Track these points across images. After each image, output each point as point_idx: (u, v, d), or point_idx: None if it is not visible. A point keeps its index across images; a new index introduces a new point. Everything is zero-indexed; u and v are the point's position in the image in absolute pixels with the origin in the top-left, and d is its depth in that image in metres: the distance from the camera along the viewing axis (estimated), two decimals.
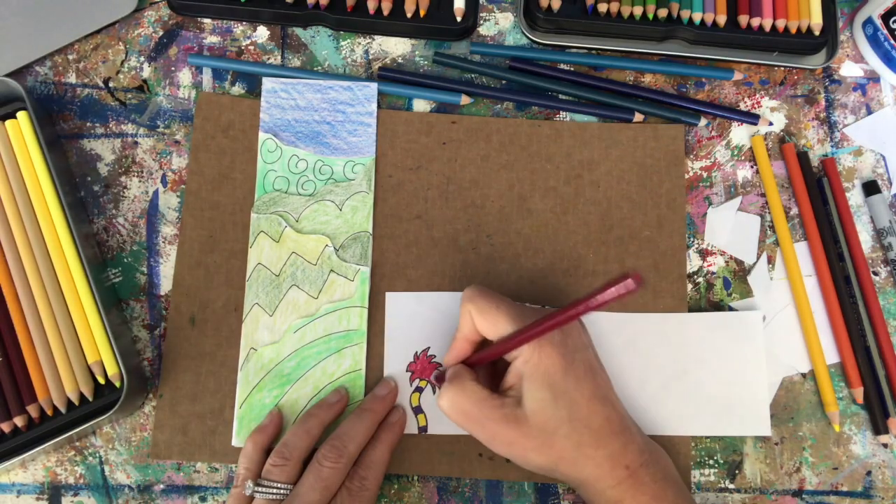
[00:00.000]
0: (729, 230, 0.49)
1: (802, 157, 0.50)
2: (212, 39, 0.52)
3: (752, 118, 0.51)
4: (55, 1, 0.51)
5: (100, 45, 0.52)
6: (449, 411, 0.41)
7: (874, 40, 0.51)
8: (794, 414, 0.47)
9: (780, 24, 0.51)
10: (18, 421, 0.43)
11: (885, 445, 0.46)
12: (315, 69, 0.52)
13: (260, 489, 0.40)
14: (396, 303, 0.47)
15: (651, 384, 0.46)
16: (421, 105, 0.51)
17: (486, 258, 0.48)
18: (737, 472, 0.46)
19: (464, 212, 0.49)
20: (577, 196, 0.49)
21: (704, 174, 0.50)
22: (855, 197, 0.50)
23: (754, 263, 0.49)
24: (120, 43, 0.52)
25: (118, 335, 0.44)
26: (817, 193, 0.49)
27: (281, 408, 0.45)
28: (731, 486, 0.46)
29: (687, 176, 0.50)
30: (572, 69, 0.52)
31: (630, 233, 0.48)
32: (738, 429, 0.46)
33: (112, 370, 0.43)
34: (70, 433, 0.42)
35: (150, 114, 0.51)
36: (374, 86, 0.50)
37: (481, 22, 0.53)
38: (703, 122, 0.51)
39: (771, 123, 0.51)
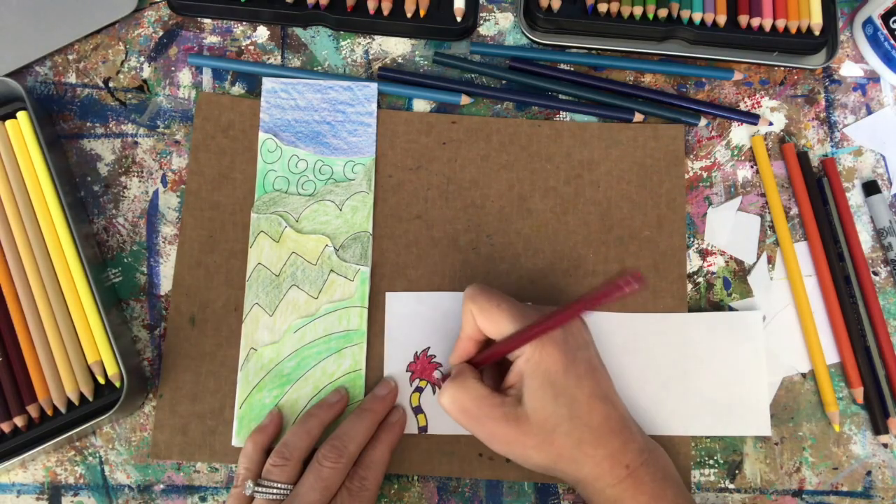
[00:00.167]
0: (729, 230, 0.49)
1: (802, 157, 0.50)
2: (212, 39, 0.52)
3: (752, 118, 0.51)
4: (55, 1, 0.51)
5: (100, 45, 0.52)
6: (449, 408, 0.41)
7: (874, 40, 0.51)
8: (794, 414, 0.47)
9: (780, 24, 0.51)
10: (18, 421, 0.43)
11: (885, 445, 0.46)
12: (315, 69, 0.52)
13: (260, 489, 0.40)
14: (396, 303, 0.47)
15: (651, 384, 0.46)
16: (421, 105, 0.51)
17: (486, 258, 0.48)
18: (737, 472, 0.46)
19: (464, 212, 0.49)
20: (577, 196, 0.49)
21: (704, 174, 0.50)
22: (855, 197, 0.50)
23: (754, 263, 0.49)
24: (120, 43, 0.52)
25: (118, 335, 0.44)
26: (817, 193, 0.49)
27: (281, 408, 0.45)
28: (731, 486, 0.46)
29: (687, 176, 0.50)
30: (572, 69, 0.52)
31: (630, 233, 0.48)
32: (738, 429, 0.46)
33: (112, 370, 0.43)
34: (70, 433, 0.42)
35: (150, 114, 0.51)
36: (374, 86, 0.50)
37: (481, 22, 0.53)
38: (703, 122, 0.51)
39: (771, 123, 0.51)
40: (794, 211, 0.50)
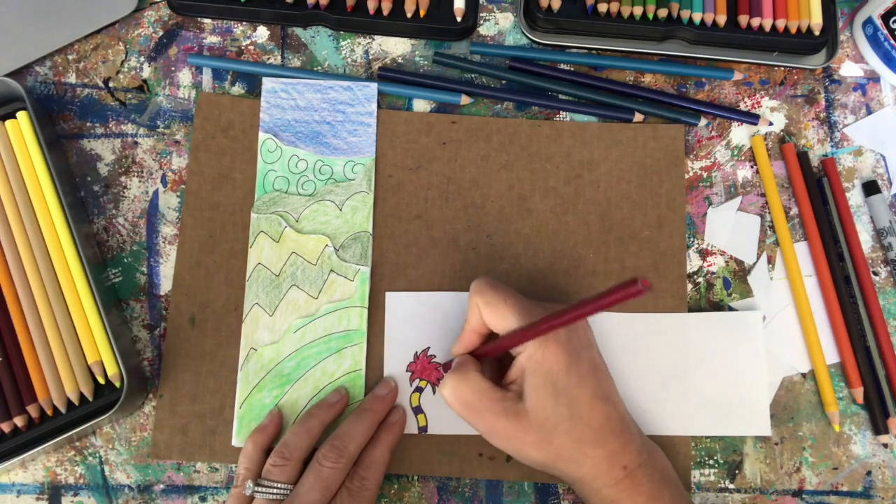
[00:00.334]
0: (729, 230, 0.49)
1: (802, 157, 0.50)
2: (212, 39, 0.52)
3: (752, 118, 0.51)
4: (55, 1, 0.51)
5: (100, 45, 0.52)
6: (450, 399, 0.41)
7: (874, 40, 0.51)
8: (794, 414, 0.47)
9: (780, 24, 0.51)
10: (18, 421, 0.43)
11: (885, 445, 0.46)
12: (315, 69, 0.52)
13: (260, 489, 0.40)
14: (396, 303, 0.47)
15: (651, 384, 0.46)
16: (421, 105, 0.51)
17: (486, 258, 0.48)
18: (737, 472, 0.46)
19: (464, 212, 0.49)
20: (576, 196, 0.49)
21: (704, 174, 0.50)
22: (855, 197, 0.50)
23: (754, 263, 0.49)
24: (120, 43, 0.52)
25: (118, 335, 0.44)
26: (817, 193, 0.49)
27: (281, 408, 0.45)
28: (731, 486, 0.46)
29: (687, 176, 0.50)
30: (572, 69, 0.52)
31: (630, 233, 0.48)
32: (738, 429, 0.46)
33: (112, 370, 0.43)
34: (70, 433, 0.42)
35: (150, 114, 0.51)
36: (374, 86, 0.50)
37: (481, 22, 0.53)
38: (703, 122, 0.51)
39: (771, 123, 0.51)
40: (794, 211, 0.50)
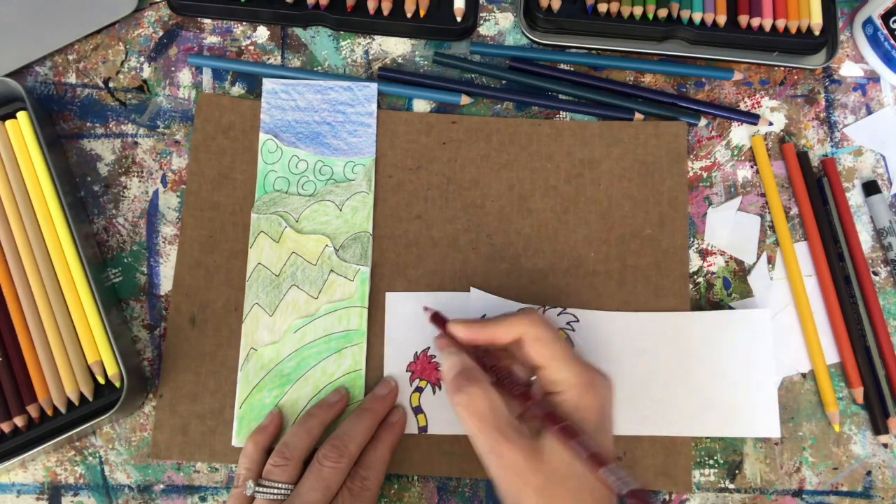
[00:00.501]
0: (729, 230, 0.49)
1: (802, 157, 0.50)
2: (212, 39, 0.52)
3: (752, 118, 0.51)
4: (55, 1, 0.51)
5: (100, 45, 0.52)
6: (464, 408, 0.39)
7: (874, 40, 0.51)
8: (794, 414, 0.47)
9: (780, 24, 0.51)
10: (18, 421, 0.43)
11: (885, 445, 0.46)
12: (315, 69, 0.52)
13: (261, 489, 0.40)
14: (396, 303, 0.47)
15: (656, 385, 0.46)
16: (421, 105, 0.51)
17: (486, 258, 0.48)
18: (737, 472, 0.46)
19: (464, 212, 0.49)
20: (577, 195, 0.49)
21: (704, 174, 0.50)
22: (855, 197, 0.50)
23: (754, 263, 0.49)
24: (120, 43, 0.52)
25: (118, 335, 0.44)
26: (817, 193, 0.49)
27: (281, 408, 0.45)
28: (731, 486, 0.46)
29: (687, 176, 0.50)
30: (572, 69, 0.52)
31: (631, 231, 0.48)
32: (745, 430, 0.45)
33: (112, 370, 0.43)
34: (70, 433, 0.42)
35: (150, 114, 0.51)
36: (374, 86, 0.50)
37: (481, 22, 0.53)
38: (703, 122, 0.51)
39: (771, 123, 0.51)
40: (794, 211, 0.50)
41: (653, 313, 0.47)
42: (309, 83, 0.50)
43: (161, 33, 0.52)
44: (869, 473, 0.46)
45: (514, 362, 0.42)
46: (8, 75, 0.49)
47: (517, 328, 0.40)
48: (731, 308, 0.48)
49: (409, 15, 0.51)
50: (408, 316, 0.47)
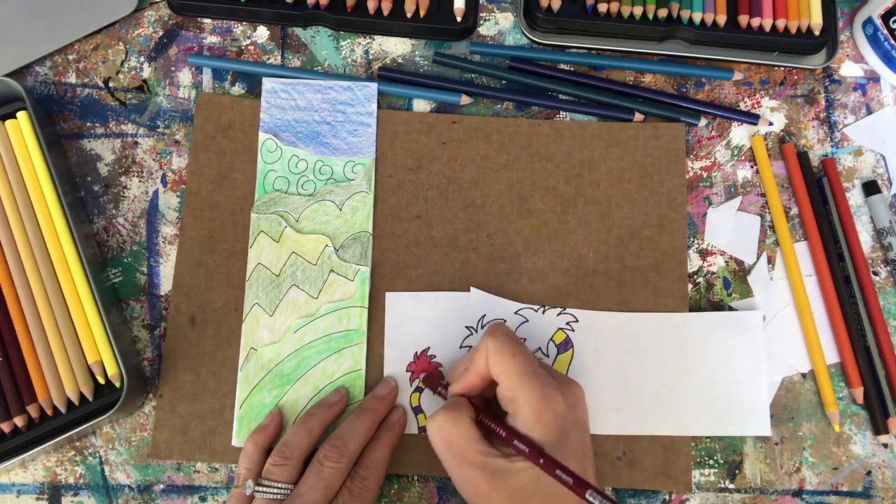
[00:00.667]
0: (729, 230, 0.49)
1: (802, 157, 0.50)
2: (212, 39, 0.52)
3: (752, 118, 0.51)
4: (55, 1, 0.51)
5: (100, 45, 0.52)
6: (434, 435, 0.40)
7: (874, 40, 0.51)
8: (794, 414, 0.47)
9: (780, 24, 0.51)
10: (18, 421, 0.43)
11: (885, 445, 0.46)
12: (315, 69, 0.52)
13: (261, 489, 0.40)
14: (396, 303, 0.47)
15: (651, 384, 0.46)
16: (421, 105, 0.51)
17: (486, 258, 0.48)
18: (737, 472, 0.46)
19: (464, 212, 0.49)
20: (577, 195, 0.49)
21: (704, 174, 0.50)
22: (855, 197, 0.50)
23: (754, 263, 0.49)
24: (120, 43, 0.52)
25: (118, 335, 0.44)
26: (817, 193, 0.49)
27: (281, 408, 0.45)
28: (731, 486, 0.46)
29: (687, 176, 0.50)
30: (572, 69, 0.52)
31: (630, 232, 0.48)
32: (738, 429, 0.46)
33: (112, 370, 0.43)
34: (70, 433, 0.42)
35: (150, 114, 0.51)
36: (374, 86, 0.50)
37: (481, 22, 0.53)
38: (703, 122, 0.51)
39: (771, 123, 0.51)
40: (794, 211, 0.50)
41: (651, 314, 0.47)
42: (309, 83, 0.50)
43: (161, 33, 0.52)
44: (869, 473, 0.46)
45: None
46: (8, 75, 0.49)
47: (482, 344, 0.40)
48: (730, 308, 0.48)
49: (409, 15, 0.51)
50: (408, 316, 0.47)
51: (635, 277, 0.48)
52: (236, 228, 0.48)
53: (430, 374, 0.45)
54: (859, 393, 0.46)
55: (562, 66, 0.52)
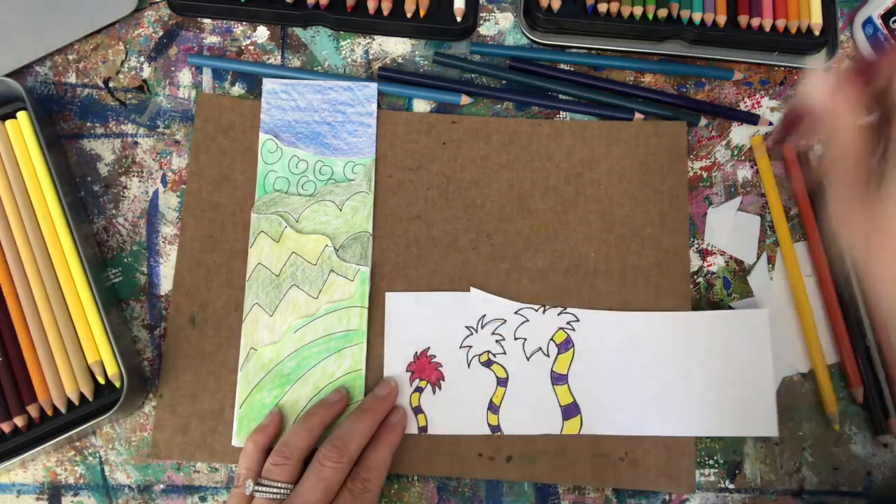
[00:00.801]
0: (729, 230, 0.49)
1: (802, 157, 0.50)
2: (212, 39, 0.52)
3: (752, 118, 0.51)
4: (55, 1, 0.51)
5: (100, 45, 0.52)
6: (827, 102, 0.31)
7: (874, 40, 0.51)
8: (794, 414, 0.47)
9: (780, 24, 0.51)
10: (18, 421, 0.43)
11: (885, 445, 0.46)
12: (315, 69, 0.52)
13: (260, 488, 0.40)
14: (396, 303, 0.47)
15: (655, 384, 0.46)
16: (421, 105, 0.51)
17: (487, 258, 0.48)
18: (737, 472, 0.46)
19: (464, 212, 0.49)
20: (577, 195, 0.49)
21: (704, 174, 0.50)
22: None
23: (754, 263, 0.49)
24: (120, 43, 0.52)
25: (118, 335, 0.44)
26: (817, 193, 0.49)
27: (281, 408, 0.45)
28: (731, 486, 0.46)
29: (687, 175, 0.50)
30: (572, 69, 0.52)
31: (632, 230, 0.48)
32: (744, 429, 0.45)
33: (112, 370, 0.43)
34: (70, 433, 0.42)
35: (150, 114, 0.51)
36: (374, 86, 0.50)
37: (481, 22, 0.53)
38: (703, 122, 0.51)
39: (771, 123, 0.51)
40: (794, 211, 0.50)
41: (653, 313, 0.47)
42: (309, 83, 0.50)
43: (161, 33, 0.52)
44: (869, 473, 0.46)
45: None
46: (8, 75, 0.49)
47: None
48: (731, 308, 0.48)
49: (409, 15, 0.51)
50: (408, 316, 0.47)
51: (637, 276, 0.48)
52: (236, 228, 0.48)
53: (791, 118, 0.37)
54: (859, 393, 0.46)
55: (562, 66, 0.52)
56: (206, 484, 0.45)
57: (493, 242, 0.48)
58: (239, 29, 0.52)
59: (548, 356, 0.46)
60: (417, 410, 0.46)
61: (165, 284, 0.48)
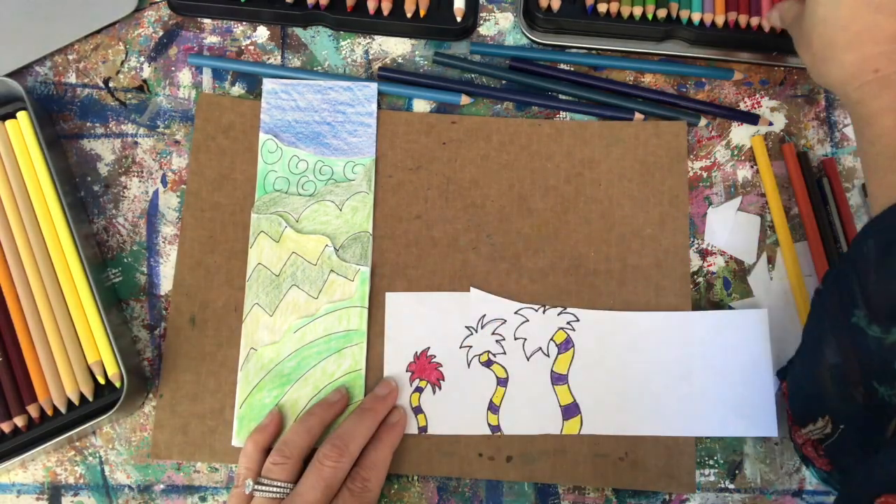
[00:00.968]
0: (729, 230, 0.49)
1: (802, 157, 0.50)
2: (212, 39, 0.52)
3: (752, 118, 0.51)
4: (55, 1, 0.51)
5: (100, 45, 0.52)
6: None
7: None
8: None
9: None
10: (18, 421, 0.43)
11: None
12: (315, 69, 0.52)
13: (260, 488, 0.40)
14: (396, 303, 0.47)
15: (655, 384, 0.46)
16: (421, 105, 0.51)
17: (487, 258, 0.48)
18: (737, 472, 0.46)
19: (464, 212, 0.49)
20: (577, 195, 0.49)
21: (704, 174, 0.50)
22: (855, 197, 0.50)
23: (754, 263, 0.49)
24: (120, 43, 0.52)
25: (118, 335, 0.44)
26: (817, 193, 0.49)
27: (281, 408, 0.45)
28: (731, 486, 0.46)
29: (687, 175, 0.50)
30: (572, 69, 0.52)
31: (632, 230, 0.48)
32: (744, 429, 0.45)
33: (112, 370, 0.43)
34: (70, 433, 0.42)
35: (150, 114, 0.51)
36: (374, 86, 0.50)
37: (481, 22, 0.53)
38: (703, 122, 0.51)
39: (771, 123, 0.51)
40: (794, 211, 0.50)
41: (653, 313, 0.47)
42: (309, 83, 0.50)
43: (161, 33, 0.52)
44: None
45: None
46: (8, 75, 0.49)
47: None
48: (730, 308, 0.48)
49: (409, 15, 0.51)
50: (408, 316, 0.47)
51: (637, 276, 0.48)
52: (236, 228, 0.48)
53: None
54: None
55: (562, 66, 0.52)
56: (206, 484, 0.45)
57: (493, 242, 0.48)
58: (239, 29, 0.52)
59: (548, 356, 0.46)
60: (417, 410, 0.46)
61: (165, 284, 0.48)
